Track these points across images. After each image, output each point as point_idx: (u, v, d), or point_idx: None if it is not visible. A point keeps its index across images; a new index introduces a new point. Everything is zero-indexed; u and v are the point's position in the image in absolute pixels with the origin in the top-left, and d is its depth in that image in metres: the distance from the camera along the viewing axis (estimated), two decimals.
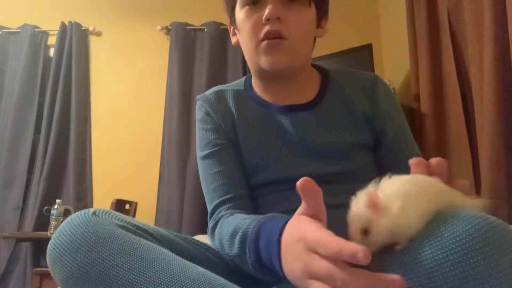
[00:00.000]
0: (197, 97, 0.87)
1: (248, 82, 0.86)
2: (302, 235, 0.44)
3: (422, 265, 0.38)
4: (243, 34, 0.78)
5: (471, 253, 0.37)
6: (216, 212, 0.74)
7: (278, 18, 0.72)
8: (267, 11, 0.71)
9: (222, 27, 2.86)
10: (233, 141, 0.80)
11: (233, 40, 0.85)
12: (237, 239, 0.60)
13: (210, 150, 0.80)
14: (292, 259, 0.45)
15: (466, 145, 1.61)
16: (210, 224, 0.74)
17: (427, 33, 1.90)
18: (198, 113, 0.85)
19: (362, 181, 0.73)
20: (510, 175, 1.33)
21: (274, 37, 0.73)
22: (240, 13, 0.77)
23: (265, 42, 0.73)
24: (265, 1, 0.73)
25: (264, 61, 0.75)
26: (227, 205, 0.73)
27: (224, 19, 2.90)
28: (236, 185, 0.76)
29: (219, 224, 0.70)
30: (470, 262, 0.37)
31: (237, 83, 0.88)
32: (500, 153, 1.34)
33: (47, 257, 0.52)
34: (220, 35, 2.87)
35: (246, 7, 0.75)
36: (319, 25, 0.81)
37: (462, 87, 1.68)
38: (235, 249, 0.60)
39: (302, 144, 0.77)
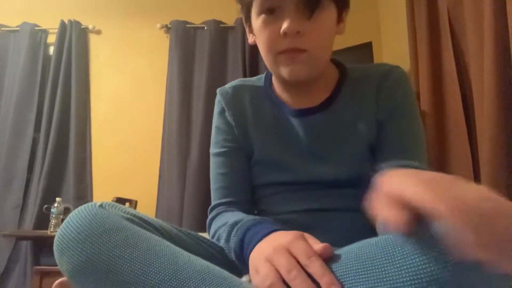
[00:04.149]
0: (217, 89, 0.87)
1: (268, 79, 0.85)
2: (294, 239, 0.49)
3: (425, 253, 0.39)
4: (260, 43, 0.75)
5: None
6: (215, 210, 0.79)
7: (298, 32, 0.68)
8: (285, 25, 0.67)
9: (222, 25, 2.86)
10: (241, 144, 0.82)
11: (250, 39, 0.81)
12: (236, 227, 0.65)
13: (219, 150, 0.83)
14: (266, 245, 0.52)
15: (466, 144, 1.61)
16: (209, 217, 0.80)
17: (427, 32, 1.91)
18: (216, 108, 0.87)
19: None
20: (510, 175, 1.33)
21: (297, 49, 0.69)
22: (256, 20, 0.73)
23: (283, 55, 0.70)
24: (282, 11, 0.69)
25: (283, 72, 0.72)
26: (226, 206, 0.78)
27: (224, 18, 2.92)
28: (237, 190, 0.80)
29: (216, 218, 0.76)
30: None
31: (258, 78, 0.87)
32: (500, 153, 1.34)
33: (54, 248, 0.53)
34: (220, 33, 2.87)
35: (263, 16, 0.71)
36: (340, 19, 0.77)
37: (462, 86, 1.68)
38: (227, 232, 0.67)
39: (313, 149, 0.76)
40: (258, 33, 0.74)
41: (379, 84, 0.77)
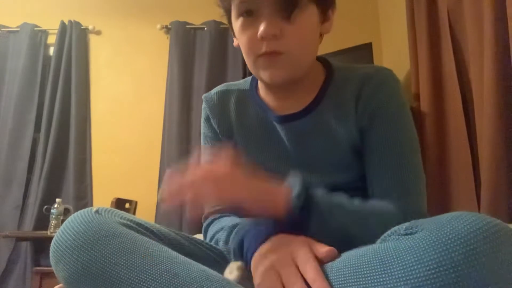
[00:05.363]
0: (203, 96, 0.86)
1: (254, 81, 0.83)
2: (298, 246, 0.50)
3: (425, 265, 0.38)
4: (241, 45, 0.73)
5: (475, 254, 0.37)
6: (210, 218, 0.79)
7: (274, 35, 0.65)
8: (261, 28, 0.65)
9: (222, 26, 2.86)
10: None
11: (235, 42, 0.80)
12: (236, 228, 0.65)
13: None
14: (270, 250, 0.52)
15: (466, 145, 1.61)
16: (204, 224, 0.80)
17: (427, 33, 1.91)
18: (202, 114, 0.86)
19: (358, 189, 0.72)
20: (510, 175, 1.33)
21: (274, 53, 0.67)
22: (236, 23, 0.72)
23: (262, 58, 0.69)
24: (259, 13, 0.66)
25: (263, 75, 0.71)
26: (219, 214, 0.78)
27: (224, 18, 2.91)
28: None
29: (213, 224, 0.76)
30: (475, 263, 0.37)
31: (244, 81, 0.86)
32: (500, 153, 1.34)
33: (50, 255, 0.52)
34: (220, 34, 2.87)
35: (241, 18, 0.70)
36: (324, 19, 0.73)
37: (462, 87, 1.68)
38: (226, 234, 0.67)
39: (296, 155, 0.76)
40: (238, 36, 0.72)
41: (360, 88, 0.73)
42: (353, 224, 0.60)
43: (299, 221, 0.56)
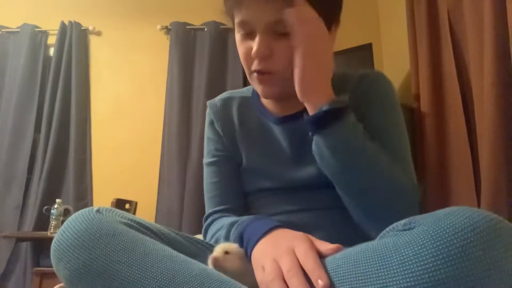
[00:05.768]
0: (207, 102, 0.90)
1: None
2: (299, 240, 0.51)
3: (423, 259, 0.39)
4: (239, 55, 0.76)
5: (472, 248, 0.38)
6: (211, 217, 0.81)
7: (265, 56, 0.68)
8: (254, 48, 0.68)
9: (222, 26, 2.86)
10: (231, 153, 0.84)
11: None
12: (235, 225, 0.67)
13: (210, 160, 0.86)
14: (271, 245, 0.54)
15: (466, 145, 1.61)
16: (204, 225, 0.82)
17: (427, 33, 1.91)
18: (206, 120, 0.90)
19: None
20: (510, 175, 1.33)
21: (264, 72, 0.70)
22: (236, 34, 0.74)
23: (255, 74, 0.72)
24: (255, 30, 0.69)
25: (257, 89, 0.75)
26: (220, 213, 0.80)
27: (224, 19, 2.91)
28: (231, 197, 0.82)
29: (213, 223, 0.78)
30: (472, 257, 0.37)
31: (247, 89, 0.89)
32: (500, 153, 1.34)
33: (51, 253, 0.53)
34: (220, 34, 2.87)
35: (240, 33, 0.73)
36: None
37: (462, 87, 1.68)
38: (225, 231, 0.69)
39: (294, 154, 0.78)
40: (237, 46, 0.75)
41: (357, 85, 0.77)
42: (367, 152, 0.63)
43: (327, 118, 0.61)
